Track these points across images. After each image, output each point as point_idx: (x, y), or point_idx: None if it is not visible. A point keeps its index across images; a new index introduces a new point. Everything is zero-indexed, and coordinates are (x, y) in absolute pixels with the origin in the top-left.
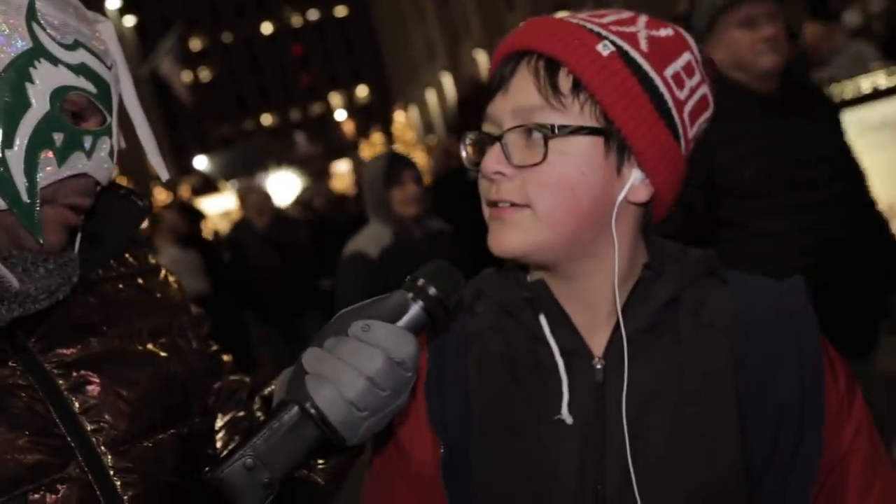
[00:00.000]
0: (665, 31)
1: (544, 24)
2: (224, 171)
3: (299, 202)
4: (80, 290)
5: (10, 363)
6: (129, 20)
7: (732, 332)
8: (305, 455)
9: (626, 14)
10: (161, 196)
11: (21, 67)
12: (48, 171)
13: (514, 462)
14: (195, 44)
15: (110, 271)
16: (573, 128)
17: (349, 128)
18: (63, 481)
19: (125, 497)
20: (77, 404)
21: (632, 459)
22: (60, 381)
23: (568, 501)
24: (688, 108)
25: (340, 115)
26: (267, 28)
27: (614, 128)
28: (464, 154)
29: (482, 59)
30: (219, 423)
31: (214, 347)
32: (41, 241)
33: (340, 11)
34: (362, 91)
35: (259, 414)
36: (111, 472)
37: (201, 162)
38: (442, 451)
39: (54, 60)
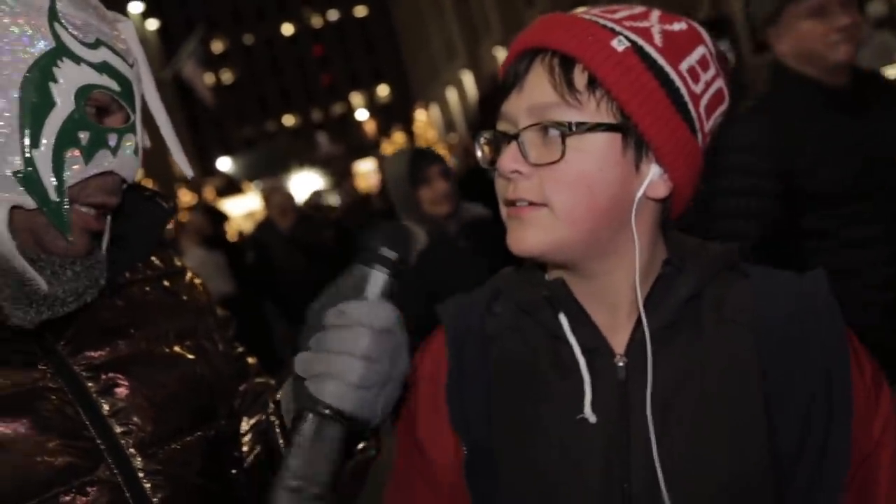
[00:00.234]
0: (679, 26)
1: (558, 20)
2: (247, 172)
3: (309, 205)
4: (108, 292)
5: (39, 366)
6: (152, 24)
7: (755, 327)
8: (339, 454)
9: (640, 9)
10: (185, 198)
11: (45, 67)
12: (75, 170)
13: (538, 462)
14: (217, 46)
15: (137, 274)
16: (590, 125)
17: (371, 127)
18: (93, 483)
19: (154, 499)
20: (106, 407)
21: (657, 456)
22: (90, 384)
23: (594, 501)
24: (704, 101)
25: (362, 114)
26: (287, 29)
27: (631, 123)
28: (479, 154)
29: (502, 56)
30: (244, 426)
31: (240, 349)
32: (70, 240)
33: (360, 11)
34: (383, 90)
35: (273, 419)
36: (140, 475)
37: (225, 163)
38: (465, 451)
39: (77, 59)
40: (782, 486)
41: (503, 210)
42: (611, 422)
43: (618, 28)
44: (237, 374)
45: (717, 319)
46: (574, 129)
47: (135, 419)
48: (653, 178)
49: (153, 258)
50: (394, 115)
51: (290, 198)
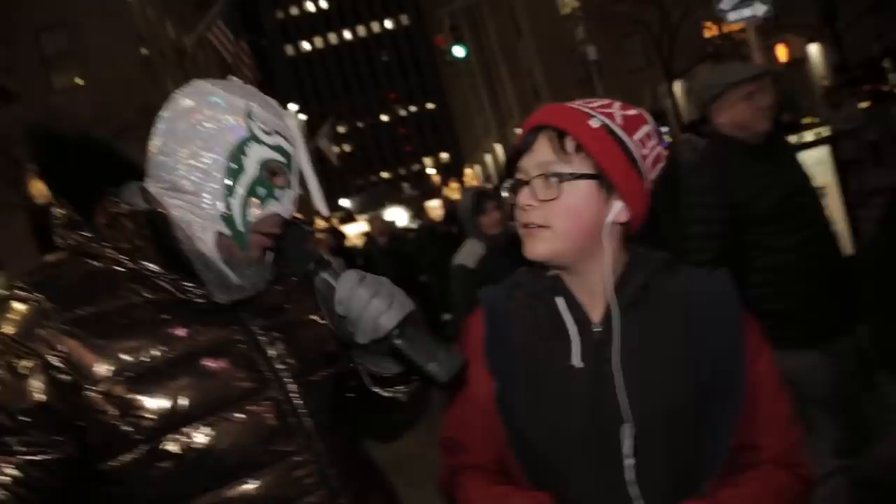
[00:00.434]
0: (632, 111)
1: (555, 108)
2: (358, 207)
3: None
4: (272, 282)
5: (232, 327)
6: (303, 116)
7: (683, 304)
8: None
9: (607, 101)
10: (320, 224)
11: (241, 146)
12: (255, 212)
13: (543, 394)
14: (341, 128)
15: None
16: (577, 174)
17: (436, 179)
18: (266, 399)
19: (302, 410)
20: (272, 352)
21: (621, 389)
22: (261, 338)
23: (581, 419)
24: (650, 160)
25: (430, 171)
26: (384, 118)
27: (604, 174)
28: (505, 194)
29: (520, 133)
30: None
31: None
32: (250, 254)
33: (430, 105)
34: (444, 156)
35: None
36: (293, 395)
37: (344, 202)
38: (497, 387)
39: (260, 142)
40: (702, 406)
41: (521, 230)
42: (591, 368)
43: (593, 112)
44: None
45: (661, 300)
46: (566, 177)
47: (289, 360)
48: (617, 209)
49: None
50: (451, 171)
51: (386, 223)
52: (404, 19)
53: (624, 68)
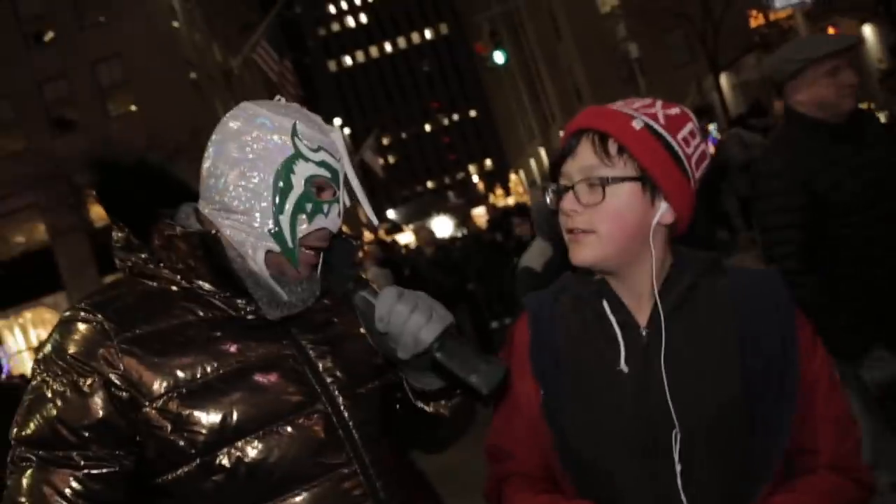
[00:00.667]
0: (675, 110)
1: (597, 111)
2: (404, 217)
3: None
4: (320, 296)
5: (283, 342)
6: (347, 130)
7: (733, 305)
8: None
9: (649, 100)
10: (368, 236)
11: (288, 164)
12: (303, 228)
13: (590, 399)
14: (385, 140)
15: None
16: (620, 177)
17: (481, 186)
18: (315, 412)
19: (351, 422)
20: (321, 365)
21: (669, 391)
22: (311, 352)
23: (628, 423)
24: (694, 159)
25: (475, 179)
26: (427, 127)
27: (647, 175)
28: (548, 199)
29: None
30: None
31: None
32: (299, 270)
33: (472, 112)
34: (488, 162)
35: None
36: (342, 408)
37: (391, 213)
38: (542, 393)
39: (306, 159)
40: (753, 408)
41: (565, 236)
42: (638, 371)
43: (635, 114)
44: None
45: (708, 302)
46: (610, 181)
47: (338, 373)
48: (663, 211)
49: None
50: (495, 177)
51: (432, 233)
52: (443, 28)
53: (667, 64)
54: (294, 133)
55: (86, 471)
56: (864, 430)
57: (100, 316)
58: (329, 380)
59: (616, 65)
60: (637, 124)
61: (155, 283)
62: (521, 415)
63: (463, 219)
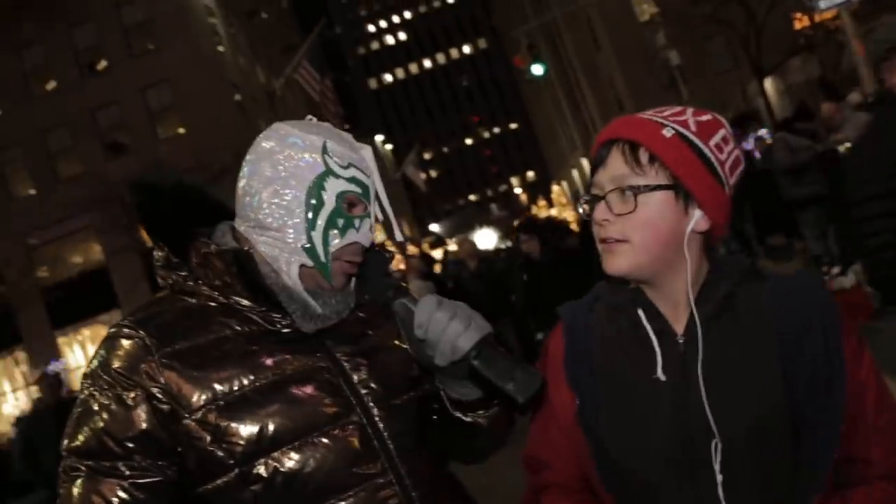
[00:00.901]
0: (706, 117)
1: (627, 120)
2: (448, 231)
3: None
4: (355, 309)
5: (317, 354)
6: (388, 146)
7: (772, 312)
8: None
9: (679, 108)
10: (412, 250)
11: (319, 181)
12: (335, 243)
13: (627, 408)
14: (427, 155)
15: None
16: (652, 186)
17: (524, 198)
18: (350, 424)
19: (386, 433)
20: (356, 377)
21: (707, 401)
22: (345, 364)
23: (665, 432)
24: (727, 165)
25: (518, 191)
26: (468, 141)
27: (680, 183)
28: (580, 210)
29: None
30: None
31: None
32: (333, 283)
33: (513, 125)
34: (531, 174)
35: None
36: (377, 419)
37: (434, 227)
38: (578, 402)
39: (337, 176)
40: (797, 419)
41: (599, 245)
42: (675, 380)
43: (665, 122)
44: None
45: (746, 309)
46: (642, 190)
47: (373, 385)
48: (697, 218)
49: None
50: (538, 189)
51: (475, 246)
52: (482, 43)
53: (710, 70)
54: (324, 151)
55: (131, 480)
56: None
57: (142, 332)
58: (364, 391)
59: (656, 73)
60: (667, 132)
61: (194, 300)
62: (557, 425)
63: (506, 231)
